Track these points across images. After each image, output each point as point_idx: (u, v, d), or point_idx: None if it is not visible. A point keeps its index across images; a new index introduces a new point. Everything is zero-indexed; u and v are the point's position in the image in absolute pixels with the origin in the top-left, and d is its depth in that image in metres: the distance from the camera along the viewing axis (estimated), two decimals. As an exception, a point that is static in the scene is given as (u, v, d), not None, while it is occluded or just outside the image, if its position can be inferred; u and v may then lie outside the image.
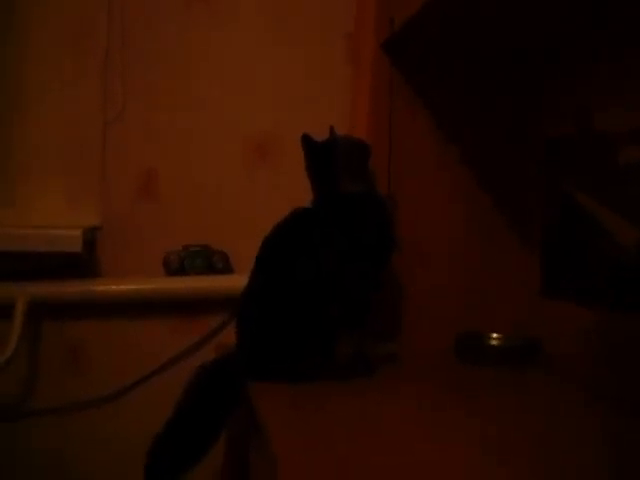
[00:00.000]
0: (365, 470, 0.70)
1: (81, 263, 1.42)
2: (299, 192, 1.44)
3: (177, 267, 1.48)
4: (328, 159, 1.19)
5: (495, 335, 1.29)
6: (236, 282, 1.45)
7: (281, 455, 0.74)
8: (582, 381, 1.12)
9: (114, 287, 1.43)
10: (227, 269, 1.51)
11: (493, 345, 1.29)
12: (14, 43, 1.44)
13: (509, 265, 1.38)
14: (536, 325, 1.31)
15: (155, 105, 1.49)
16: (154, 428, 1.36)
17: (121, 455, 1.47)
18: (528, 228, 1.37)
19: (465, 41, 1.29)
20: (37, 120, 1.46)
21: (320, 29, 1.55)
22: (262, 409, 0.93)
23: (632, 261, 1.05)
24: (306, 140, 1.22)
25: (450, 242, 1.37)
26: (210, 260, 1.49)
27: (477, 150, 1.39)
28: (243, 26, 1.53)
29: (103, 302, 1.43)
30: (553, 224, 1.29)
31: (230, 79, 1.53)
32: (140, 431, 1.42)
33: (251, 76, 1.53)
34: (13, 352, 1.34)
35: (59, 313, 1.44)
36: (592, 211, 1.17)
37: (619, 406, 0.97)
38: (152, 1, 1.49)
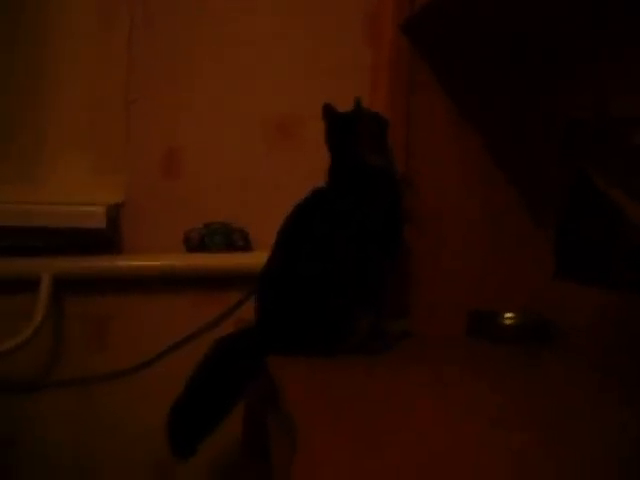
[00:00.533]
0: (381, 440, 0.73)
1: (105, 239, 1.45)
2: (319, 171, 1.47)
3: (198, 244, 1.51)
4: (351, 130, 1.19)
5: (509, 314, 1.30)
6: (255, 259, 1.48)
7: (300, 422, 0.77)
8: (596, 362, 1.14)
9: (136, 263, 1.47)
10: (247, 246, 1.53)
11: (507, 324, 1.30)
12: (43, 25, 1.47)
13: (524, 246, 1.40)
14: (550, 307, 1.32)
15: (178, 84, 1.52)
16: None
17: (142, 427, 1.51)
18: (543, 209, 1.38)
19: (485, 23, 1.30)
20: (62, 99, 1.49)
21: (340, 9, 1.57)
22: (281, 379, 0.96)
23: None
24: (328, 110, 1.21)
25: (466, 222, 1.38)
26: (230, 237, 1.52)
27: (494, 131, 1.40)
28: (263, 6, 1.55)
29: (126, 277, 1.47)
30: (568, 206, 1.30)
31: (250, 59, 1.55)
32: (161, 404, 1.46)
33: (271, 56, 1.55)
34: (39, 325, 1.38)
35: (83, 288, 1.47)
36: (607, 193, 1.18)
37: (633, 386, 0.99)
38: (175, -19, 1.52)
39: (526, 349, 1.22)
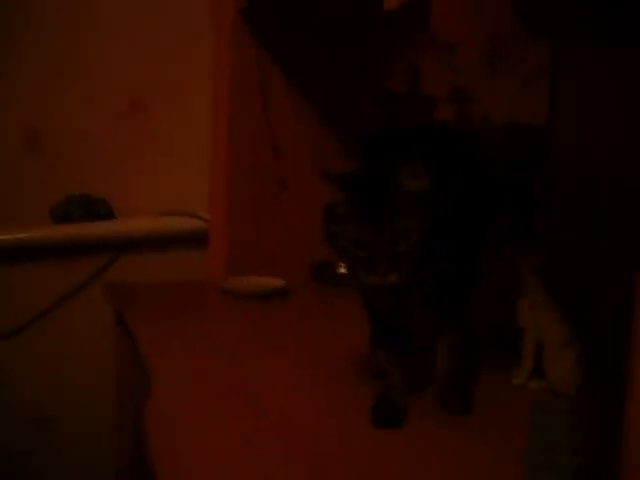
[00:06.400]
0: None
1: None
2: (165, 142, 1.64)
3: (62, 215, 1.63)
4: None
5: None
6: (117, 227, 1.64)
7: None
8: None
9: (5, 236, 1.58)
10: (108, 215, 1.67)
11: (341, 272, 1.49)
12: None
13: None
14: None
15: (39, 67, 1.61)
16: (55, 359, 1.56)
17: (21, 387, 1.64)
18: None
19: (312, 10, 1.47)
20: None
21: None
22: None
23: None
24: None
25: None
26: (92, 207, 1.65)
27: (326, 104, 1.57)
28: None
29: (-5, 250, 1.58)
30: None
31: (105, 38, 1.65)
32: (40, 363, 1.62)
33: (124, 36, 1.66)
34: None
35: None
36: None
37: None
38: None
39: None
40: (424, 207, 0.81)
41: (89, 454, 1.70)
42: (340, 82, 1.58)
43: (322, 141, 1.57)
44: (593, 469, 0.61)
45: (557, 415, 0.77)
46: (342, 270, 1.46)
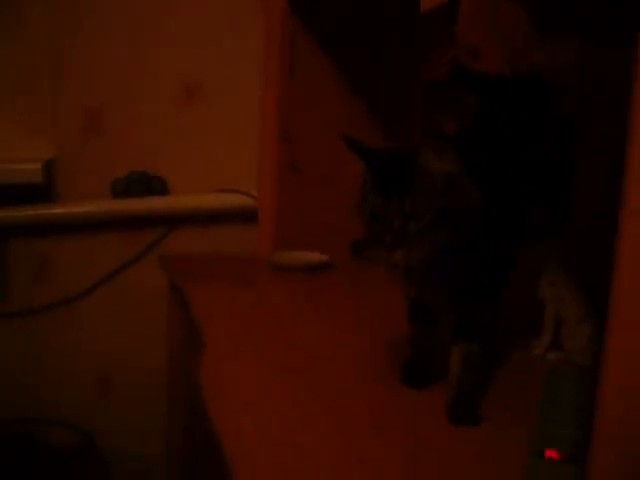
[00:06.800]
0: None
1: (41, 191, 1.68)
2: (221, 126, 1.75)
3: (122, 190, 1.75)
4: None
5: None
6: (171, 203, 1.76)
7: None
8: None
9: (69, 210, 1.71)
10: (164, 191, 1.79)
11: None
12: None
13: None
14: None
15: (100, 50, 1.71)
16: (112, 325, 1.69)
17: (80, 348, 1.78)
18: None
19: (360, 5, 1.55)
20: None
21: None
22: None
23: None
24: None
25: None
26: (149, 184, 1.77)
27: (369, 94, 1.66)
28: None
29: (61, 222, 1.71)
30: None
31: (163, 28, 1.75)
32: (96, 327, 1.76)
33: (178, 27, 1.76)
34: (-11, 266, 1.62)
35: (24, 233, 1.71)
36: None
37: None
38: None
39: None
40: (446, 188, 0.77)
41: (142, 415, 1.84)
42: (383, 75, 1.66)
43: (367, 127, 1.66)
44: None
45: (569, 379, 0.86)
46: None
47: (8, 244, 1.70)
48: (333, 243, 1.60)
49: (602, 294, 1.06)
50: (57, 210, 1.70)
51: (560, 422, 0.73)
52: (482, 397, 0.92)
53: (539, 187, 0.97)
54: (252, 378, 0.98)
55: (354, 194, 0.84)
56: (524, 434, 0.77)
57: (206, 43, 1.77)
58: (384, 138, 1.67)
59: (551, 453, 0.67)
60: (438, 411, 0.88)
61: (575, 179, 1.03)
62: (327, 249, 1.57)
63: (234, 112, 1.78)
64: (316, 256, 1.53)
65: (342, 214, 1.62)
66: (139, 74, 1.75)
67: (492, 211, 0.84)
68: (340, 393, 0.94)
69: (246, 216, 1.76)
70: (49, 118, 1.71)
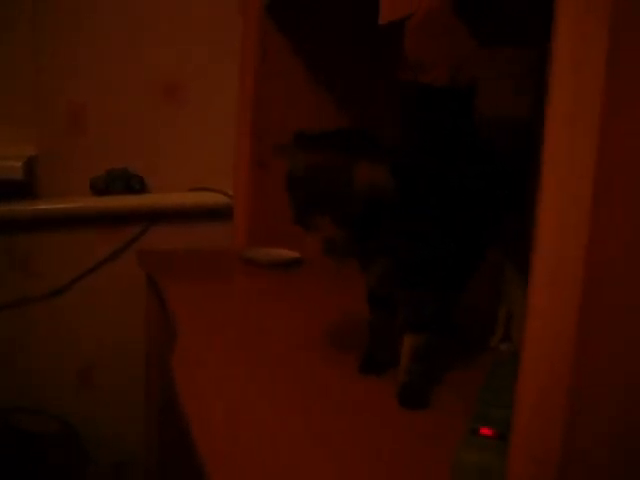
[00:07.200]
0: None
1: (23, 187, 1.73)
2: (199, 125, 1.81)
3: (102, 188, 1.81)
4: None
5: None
6: (150, 200, 1.83)
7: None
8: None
9: (51, 206, 1.76)
10: (142, 189, 1.85)
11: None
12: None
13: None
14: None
15: (80, 49, 1.75)
16: (92, 318, 1.76)
17: (63, 339, 1.84)
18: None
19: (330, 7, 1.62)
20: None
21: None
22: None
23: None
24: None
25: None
26: (129, 182, 1.83)
27: (346, 97, 1.73)
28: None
29: (42, 218, 1.76)
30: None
31: (141, 24, 1.79)
32: (78, 319, 1.82)
33: (157, 27, 1.81)
34: (-27, 260, 1.68)
35: (7, 228, 1.76)
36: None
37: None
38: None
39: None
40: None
41: (121, 403, 1.90)
42: (356, 72, 1.72)
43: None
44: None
45: (509, 366, 0.93)
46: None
47: (-9, 239, 1.76)
48: (305, 240, 1.67)
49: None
50: (38, 206, 1.75)
51: (497, 404, 0.81)
52: (432, 384, 0.99)
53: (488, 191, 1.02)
54: (221, 365, 1.05)
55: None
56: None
57: (185, 44, 1.82)
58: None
59: (485, 431, 0.74)
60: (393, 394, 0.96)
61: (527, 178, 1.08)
62: (300, 246, 1.63)
63: (211, 112, 1.84)
64: (287, 252, 1.60)
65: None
66: (120, 73, 1.79)
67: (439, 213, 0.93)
68: (303, 378, 1.01)
69: (221, 213, 1.83)
70: (31, 116, 1.76)
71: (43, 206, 1.76)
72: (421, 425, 0.89)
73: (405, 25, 0.88)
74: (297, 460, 0.80)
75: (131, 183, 1.82)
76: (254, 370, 1.04)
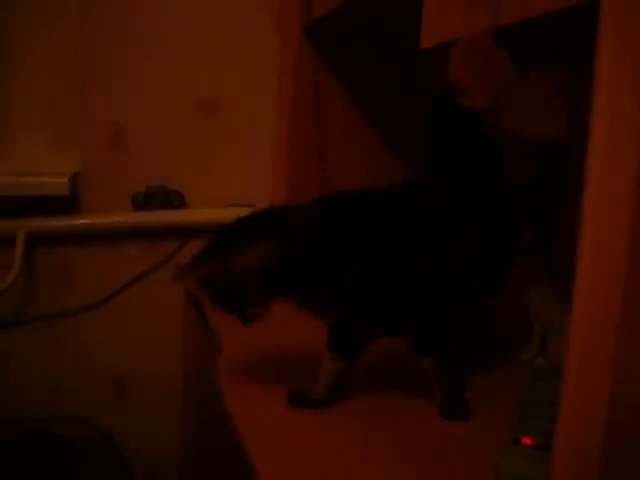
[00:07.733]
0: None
1: (67, 202, 1.79)
2: (236, 143, 1.86)
3: (142, 203, 1.86)
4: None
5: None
6: (188, 215, 1.87)
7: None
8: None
9: (93, 220, 1.81)
10: (181, 205, 1.89)
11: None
12: (9, 9, 1.76)
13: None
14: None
15: (122, 70, 1.82)
16: (130, 330, 1.80)
17: (102, 352, 1.88)
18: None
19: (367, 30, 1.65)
20: (24, 83, 1.80)
21: (254, 7, 1.88)
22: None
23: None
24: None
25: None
26: (168, 198, 1.87)
27: (385, 114, 1.76)
28: (183, 5, 1.84)
29: (85, 232, 1.81)
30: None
31: (180, 51, 1.85)
32: (116, 333, 1.86)
33: (196, 50, 1.86)
34: (17, 273, 1.72)
35: (51, 242, 1.81)
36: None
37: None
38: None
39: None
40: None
41: (156, 417, 1.94)
42: (389, 92, 1.76)
43: (370, 146, 1.76)
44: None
45: (548, 379, 0.96)
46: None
47: (35, 252, 1.80)
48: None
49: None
50: (81, 221, 1.80)
51: (536, 415, 0.83)
52: (465, 395, 1.02)
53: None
54: (270, 379, 1.09)
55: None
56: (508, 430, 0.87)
57: (223, 61, 1.87)
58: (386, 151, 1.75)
59: (526, 440, 0.77)
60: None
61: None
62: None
63: (250, 129, 1.89)
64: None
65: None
66: (159, 92, 1.84)
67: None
68: (352, 389, 1.04)
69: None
70: (75, 134, 1.81)
71: (86, 220, 1.81)
72: (458, 435, 0.92)
73: (449, 50, 0.92)
74: (342, 469, 0.83)
75: (171, 198, 1.87)
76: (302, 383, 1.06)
